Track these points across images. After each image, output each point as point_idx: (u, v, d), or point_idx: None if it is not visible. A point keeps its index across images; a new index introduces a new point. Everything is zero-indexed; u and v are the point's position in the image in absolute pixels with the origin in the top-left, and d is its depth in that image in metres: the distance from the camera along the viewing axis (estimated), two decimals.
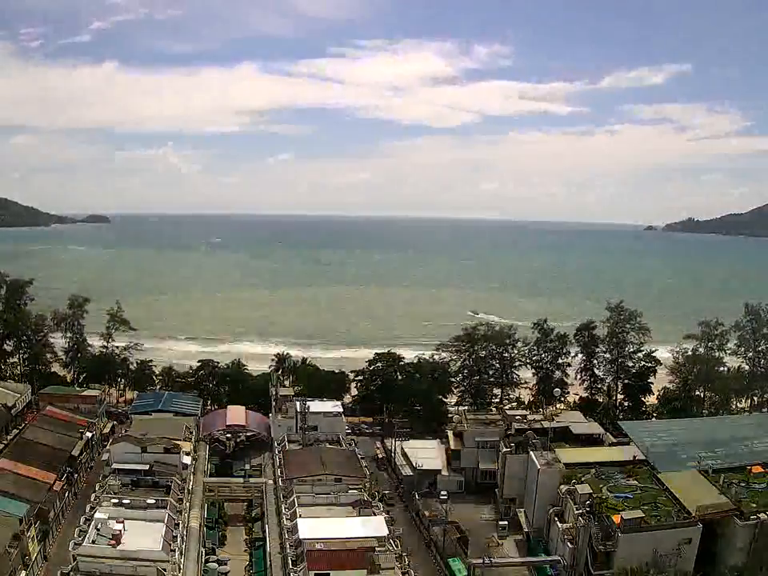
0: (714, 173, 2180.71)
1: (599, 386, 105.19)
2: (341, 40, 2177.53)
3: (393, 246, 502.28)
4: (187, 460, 69.58)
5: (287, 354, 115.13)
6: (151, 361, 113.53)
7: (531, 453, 66.38)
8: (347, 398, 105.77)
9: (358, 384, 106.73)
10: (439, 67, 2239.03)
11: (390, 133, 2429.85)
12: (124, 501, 57.98)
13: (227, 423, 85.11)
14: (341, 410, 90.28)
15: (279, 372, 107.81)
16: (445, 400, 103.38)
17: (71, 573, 47.12)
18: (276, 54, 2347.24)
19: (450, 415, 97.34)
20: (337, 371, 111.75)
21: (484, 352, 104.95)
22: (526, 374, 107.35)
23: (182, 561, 52.33)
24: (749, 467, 60.18)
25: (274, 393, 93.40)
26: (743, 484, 57.11)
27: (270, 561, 55.28)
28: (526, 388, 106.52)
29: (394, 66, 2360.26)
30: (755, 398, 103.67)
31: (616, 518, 52.16)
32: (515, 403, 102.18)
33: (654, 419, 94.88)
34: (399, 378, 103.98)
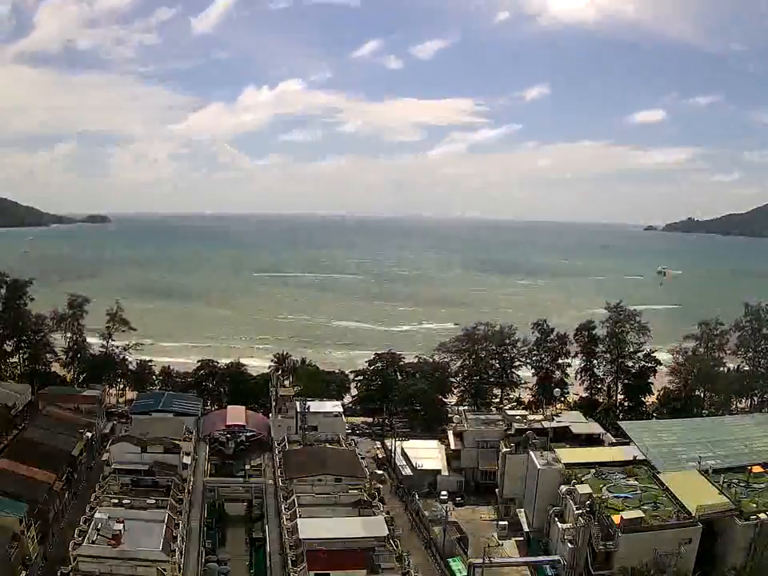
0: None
1: (599, 386, 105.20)
2: None
3: None
4: (187, 460, 69.56)
5: (288, 354, 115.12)
6: (151, 361, 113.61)
7: (531, 453, 66.35)
8: (347, 398, 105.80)
9: (358, 384, 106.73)
10: None
11: None
12: (124, 501, 58.02)
13: (227, 423, 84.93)
14: (341, 410, 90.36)
15: (279, 372, 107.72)
16: (445, 400, 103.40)
17: (71, 573, 47.16)
18: None
19: (450, 415, 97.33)
20: (337, 371, 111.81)
21: (484, 352, 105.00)
22: (526, 374, 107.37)
23: (182, 561, 52.37)
24: (749, 467, 60.16)
25: (273, 393, 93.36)
26: (743, 484, 57.13)
27: (270, 561, 55.29)
28: (526, 388, 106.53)
29: None
30: (755, 398, 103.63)
31: (616, 518, 52.15)
32: (515, 403, 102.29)
33: (654, 419, 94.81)
34: (399, 377, 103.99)
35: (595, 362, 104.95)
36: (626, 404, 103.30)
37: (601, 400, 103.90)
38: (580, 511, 55.34)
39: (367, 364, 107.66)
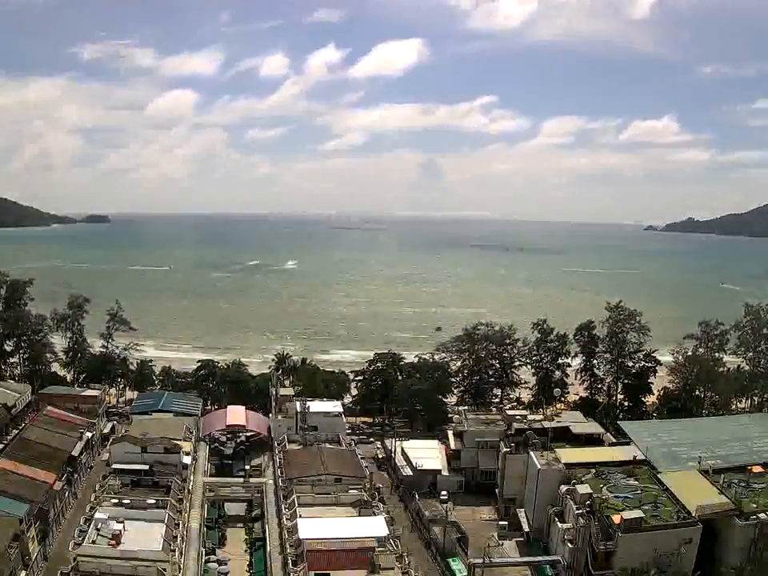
0: None
1: (599, 386, 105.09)
2: None
3: None
4: (187, 460, 69.62)
5: (287, 353, 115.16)
6: (151, 361, 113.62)
7: (531, 453, 66.33)
8: (347, 398, 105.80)
9: (358, 384, 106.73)
10: None
11: None
12: (124, 501, 58.06)
13: (227, 423, 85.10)
14: (341, 409, 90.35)
15: (279, 372, 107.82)
16: (445, 400, 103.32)
17: (71, 573, 47.14)
18: None
19: (450, 415, 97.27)
20: (337, 371, 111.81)
21: (484, 352, 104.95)
22: (526, 374, 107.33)
23: (182, 561, 52.37)
24: (749, 467, 60.20)
25: (274, 393, 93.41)
26: (743, 484, 57.11)
27: (270, 561, 55.25)
28: (526, 388, 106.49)
29: None
30: (755, 398, 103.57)
31: (616, 518, 52.14)
32: (515, 403, 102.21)
33: (654, 419, 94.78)
34: (399, 377, 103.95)
35: (595, 361, 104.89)
36: (626, 404, 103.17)
37: (601, 400, 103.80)
38: (580, 511, 55.27)
39: (367, 364, 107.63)
